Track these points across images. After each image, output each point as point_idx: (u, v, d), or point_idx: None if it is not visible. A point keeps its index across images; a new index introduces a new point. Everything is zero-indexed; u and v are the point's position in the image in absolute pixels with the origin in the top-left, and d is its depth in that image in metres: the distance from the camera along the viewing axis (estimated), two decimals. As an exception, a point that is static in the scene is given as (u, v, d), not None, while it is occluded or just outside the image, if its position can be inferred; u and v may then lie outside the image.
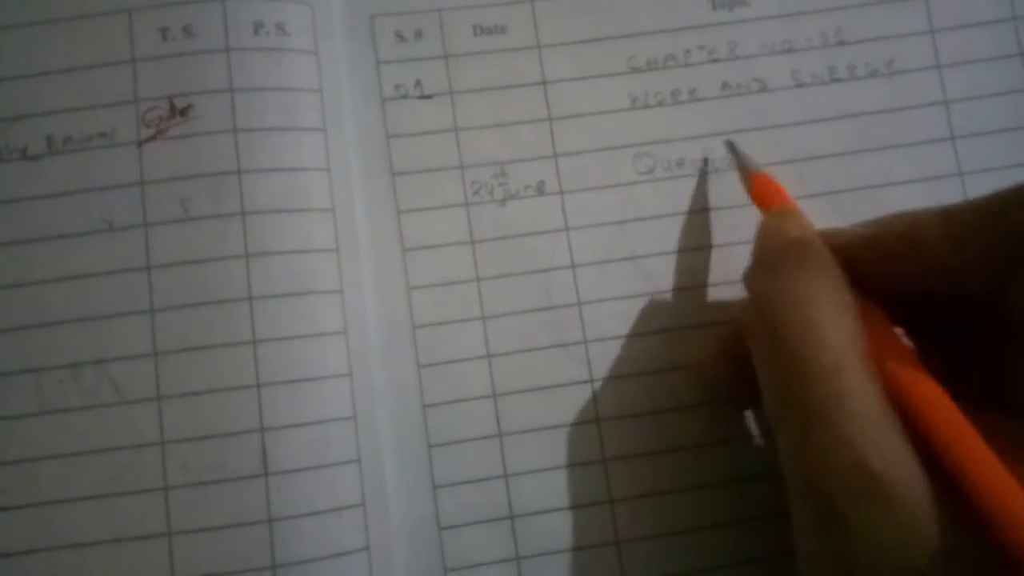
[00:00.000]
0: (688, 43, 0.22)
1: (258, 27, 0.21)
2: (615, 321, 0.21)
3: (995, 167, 0.22)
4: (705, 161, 0.22)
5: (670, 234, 0.22)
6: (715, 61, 0.22)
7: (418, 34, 0.22)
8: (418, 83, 0.22)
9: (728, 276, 0.22)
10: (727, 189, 0.22)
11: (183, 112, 0.20)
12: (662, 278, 0.22)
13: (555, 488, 0.21)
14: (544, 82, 0.22)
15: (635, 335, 0.21)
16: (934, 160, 0.22)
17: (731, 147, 0.21)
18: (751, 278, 0.17)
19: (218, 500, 0.19)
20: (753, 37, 0.22)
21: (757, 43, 0.22)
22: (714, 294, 0.22)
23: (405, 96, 0.22)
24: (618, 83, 0.22)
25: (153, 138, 0.20)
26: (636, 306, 0.22)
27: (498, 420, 0.21)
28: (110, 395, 0.20)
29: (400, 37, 0.22)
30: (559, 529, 0.20)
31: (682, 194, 0.22)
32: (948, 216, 0.15)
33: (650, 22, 0.22)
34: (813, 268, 0.16)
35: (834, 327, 0.15)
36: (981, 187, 0.22)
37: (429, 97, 0.22)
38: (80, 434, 0.19)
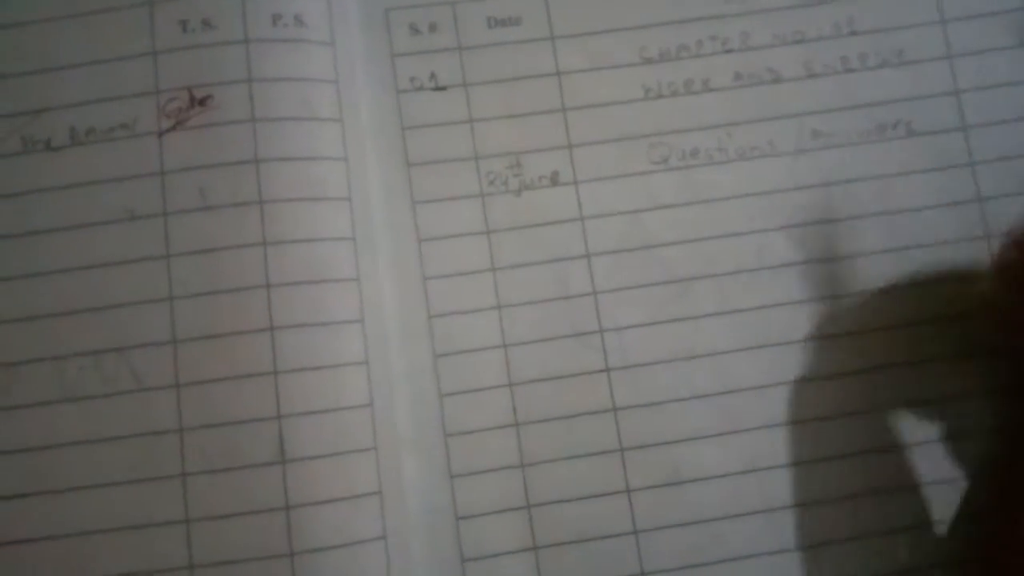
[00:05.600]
0: (700, 34, 0.23)
1: (276, 19, 0.21)
2: (631, 310, 0.21)
3: (1006, 157, 0.22)
4: None
5: (685, 222, 0.22)
6: (728, 51, 0.23)
7: (432, 27, 0.22)
8: (433, 75, 0.22)
9: (743, 265, 0.22)
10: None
11: (202, 102, 0.21)
12: (678, 266, 0.22)
13: (572, 477, 0.20)
14: (558, 73, 0.22)
15: (651, 324, 0.21)
16: (946, 150, 0.22)
17: None
18: None
19: (235, 487, 0.19)
20: (765, 27, 0.23)
21: (769, 33, 0.23)
22: (731, 282, 0.22)
23: (420, 88, 0.22)
24: (631, 74, 0.22)
25: (173, 128, 0.21)
26: (652, 295, 0.22)
27: (515, 409, 0.21)
28: (130, 383, 0.20)
29: (415, 30, 0.22)
30: (576, 519, 0.20)
31: (696, 183, 0.22)
32: None
33: (663, 13, 0.23)
34: None
35: None
36: (993, 178, 0.22)
37: (443, 89, 0.22)
38: (100, 421, 0.19)
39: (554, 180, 0.22)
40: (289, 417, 0.19)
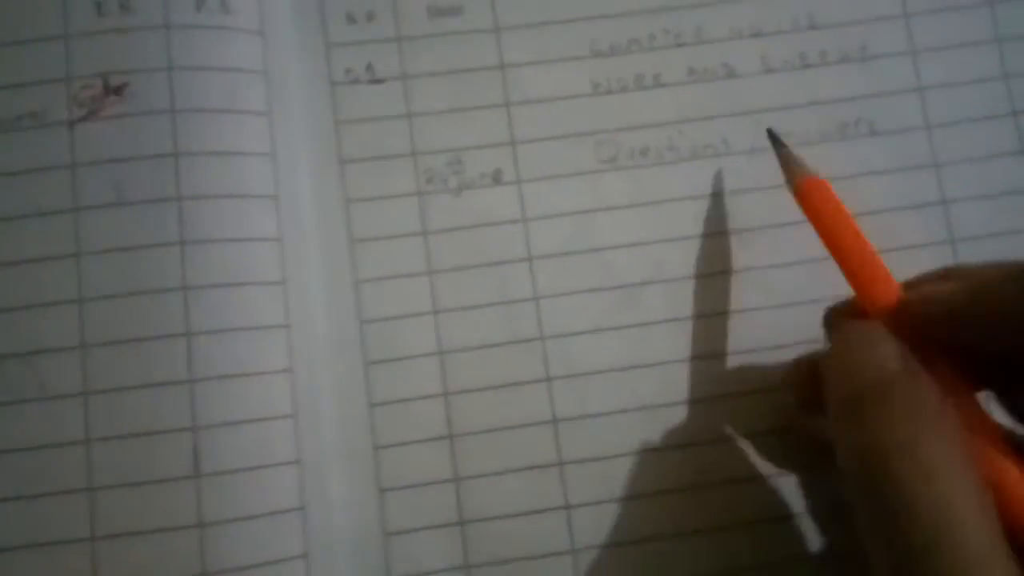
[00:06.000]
0: (653, 26, 0.21)
1: (200, 4, 0.20)
2: (575, 316, 0.20)
3: (971, 157, 0.21)
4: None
5: (633, 225, 0.21)
6: (681, 45, 0.21)
7: (370, 16, 0.21)
8: (369, 67, 0.21)
9: (694, 271, 0.21)
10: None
11: (118, 91, 0.19)
12: (625, 271, 0.21)
13: (508, 493, 0.19)
14: (502, 66, 0.21)
15: (596, 331, 0.20)
16: (909, 150, 0.21)
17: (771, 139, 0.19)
18: (838, 420, 0.15)
19: (146, 503, 0.18)
20: (721, 21, 0.22)
21: (725, 27, 0.22)
22: (680, 289, 0.21)
23: (356, 80, 0.21)
24: (580, 67, 0.21)
25: (85, 118, 0.19)
26: (597, 300, 0.20)
27: (449, 420, 0.20)
28: (34, 390, 0.18)
29: (351, 19, 0.21)
30: (511, 536, 0.19)
31: (646, 183, 0.21)
32: None
33: (613, 4, 0.21)
34: (907, 415, 0.14)
35: (948, 479, 0.13)
36: (957, 178, 0.21)
37: (381, 81, 0.21)
38: (1, 431, 0.18)
39: (496, 179, 0.21)
40: (205, 428, 0.18)
